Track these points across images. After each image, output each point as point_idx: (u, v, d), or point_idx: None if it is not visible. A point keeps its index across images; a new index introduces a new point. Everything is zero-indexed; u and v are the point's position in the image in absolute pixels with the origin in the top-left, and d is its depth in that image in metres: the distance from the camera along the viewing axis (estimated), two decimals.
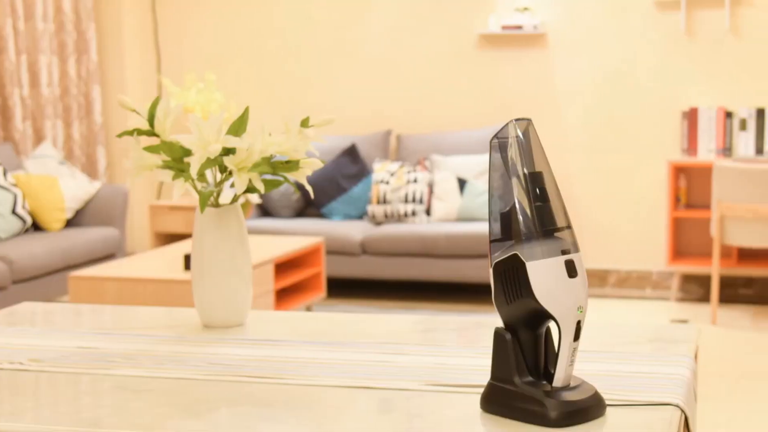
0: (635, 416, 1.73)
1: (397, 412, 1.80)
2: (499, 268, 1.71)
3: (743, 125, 7.65)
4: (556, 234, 1.69)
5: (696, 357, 2.15)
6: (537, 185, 1.69)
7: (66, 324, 2.49)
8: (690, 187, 7.86)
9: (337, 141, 8.39)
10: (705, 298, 7.80)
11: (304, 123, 2.28)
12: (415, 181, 7.98)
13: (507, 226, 1.70)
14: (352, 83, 8.64)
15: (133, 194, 9.04)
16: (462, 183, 7.92)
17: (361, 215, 8.24)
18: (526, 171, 1.69)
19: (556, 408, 1.67)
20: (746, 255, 7.73)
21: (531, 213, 1.68)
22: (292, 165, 2.29)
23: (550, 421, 1.67)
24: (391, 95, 8.56)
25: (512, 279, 1.69)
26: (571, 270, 1.68)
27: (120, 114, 9.03)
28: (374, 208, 8.01)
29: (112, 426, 1.73)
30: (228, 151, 2.24)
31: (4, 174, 7.49)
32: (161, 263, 6.33)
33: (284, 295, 6.97)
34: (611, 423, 1.70)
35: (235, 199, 2.35)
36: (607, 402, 1.75)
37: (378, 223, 8.03)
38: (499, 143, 1.72)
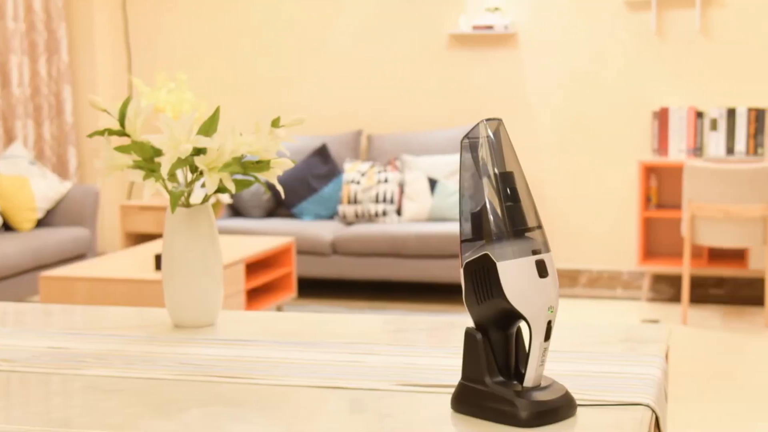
0: (606, 416, 1.73)
1: (367, 412, 1.80)
2: (470, 268, 1.71)
3: (714, 125, 7.68)
4: (526, 234, 1.69)
5: (667, 357, 2.16)
6: (508, 185, 1.69)
7: (37, 324, 2.48)
8: (661, 187, 7.88)
9: (308, 141, 8.38)
10: (676, 298, 7.83)
11: (275, 123, 2.27)
12: (386, 181, 7.98)
13: (478, 226, 1.70)
14: (322, 83, 8.64)
15: (104, 194, 9.01)
16: (433, 183, 7.92)
17: (331, 215, 8.23)
18: (496, 171, 1.69)
19: (526, 408, 1.67)
20: (717, 255, 7.77)
21: (502, 213, 1.68)
22: (262, 165, 2.28)
23: (520, 421, 1.67)
24: (362, 95, 8.56)
25: (483, 279, 1.69)
26: (541, 270, 1.68)
27: (91, 114, 8.99)
28: (345, 208, 8.00)
29: (82, 426, 1.72)
30: (199, 151, 2.23)
31: None
32: (132, 263, 6.31)
33: (255, 295, 6.96)
34: (582, 423, 1.70)
35: (205, 199, 2.35)
36: (577, 402, 1.74)
37: (349, 223, 8.03)
38: (469, 143, 1.72)
